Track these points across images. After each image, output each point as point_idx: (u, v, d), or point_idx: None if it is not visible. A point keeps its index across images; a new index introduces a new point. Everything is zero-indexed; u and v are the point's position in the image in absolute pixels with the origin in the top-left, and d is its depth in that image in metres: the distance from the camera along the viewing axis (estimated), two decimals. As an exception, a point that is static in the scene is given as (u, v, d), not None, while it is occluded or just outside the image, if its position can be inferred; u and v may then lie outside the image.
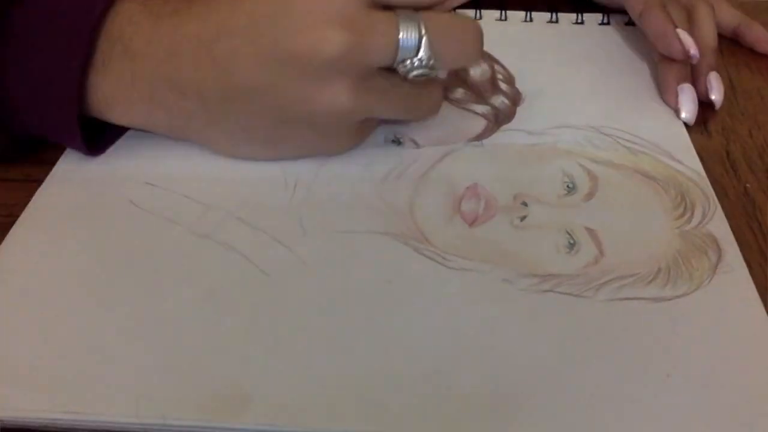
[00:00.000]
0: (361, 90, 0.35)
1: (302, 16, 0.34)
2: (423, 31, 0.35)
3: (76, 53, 0.35)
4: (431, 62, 0.35)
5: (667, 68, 0.47)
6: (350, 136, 0.39)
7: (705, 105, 0.46)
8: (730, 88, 0.49)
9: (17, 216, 0.36)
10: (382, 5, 0.35)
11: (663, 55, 0.47)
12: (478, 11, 0.55)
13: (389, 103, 0.38)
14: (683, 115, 0.45)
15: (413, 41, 0.35)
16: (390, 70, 0.36)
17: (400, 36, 0.34)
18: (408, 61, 0.35)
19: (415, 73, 0.35)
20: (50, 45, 0.35)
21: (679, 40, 0.46)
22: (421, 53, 0.35)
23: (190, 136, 0.39)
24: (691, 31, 0.47)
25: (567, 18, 0.54)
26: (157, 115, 0.37)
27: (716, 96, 0.46)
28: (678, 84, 0.46)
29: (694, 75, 0.47)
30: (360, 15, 0.34)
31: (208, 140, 0.39)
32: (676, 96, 0.46)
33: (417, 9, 0.35)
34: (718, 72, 0.47)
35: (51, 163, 0.39)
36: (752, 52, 0.53)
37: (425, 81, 0.37)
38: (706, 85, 0.47)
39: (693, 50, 0.46)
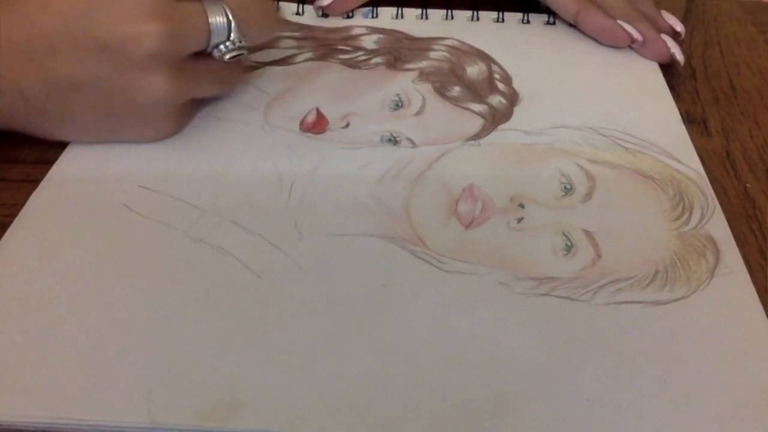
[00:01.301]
0: (178, 76, 0.38)
1: (117, 11, 0.35)
2: (230, 15, 0.38)
3: None
4: (242, 42, 0.38)
5: (640, 26, 0.50)
6: (172, 122, 0.41)
7: (704, 105, 0.46)
8: (730, 88, 0.49)
9: (17, 216, 0.36)
10: None
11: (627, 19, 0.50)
12: (475, 12, 0.54)
13: (204, 83, 0.41)
14: (678, 57, 0.49)
15: (223, 25, 0.38)
16: (199, 52, 0.38)
17: (211, 22, 0.37)
18: (222, 46, 0.38)
19: (230, 55, 0.38)
20: None
21: (625, 30, 0.50)
22: (233, 36, 0.38)
23: (12, 128, 0.39)
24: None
25: (564, 20, 0.54)
26: None
27: (680, 27, 0.52)
28: (658, 33, 0.50)
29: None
30: (170, 7, 0.36)
31: (31, 130, 0.40)
32: (666, 44, 0.50)
33: None
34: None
35: (51, 162, 0.39)
36: (752, 52, 0.52)
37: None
38: (666, 23, 0.52)
39: (637, 35, 0.50)
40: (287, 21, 0.50)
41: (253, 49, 0.43)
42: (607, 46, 0.51)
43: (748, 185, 0.40)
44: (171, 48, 0.36)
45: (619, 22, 0.50)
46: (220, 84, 0.42)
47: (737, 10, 0.56)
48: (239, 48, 0.38)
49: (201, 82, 0.40)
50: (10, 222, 0.36)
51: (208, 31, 0.37)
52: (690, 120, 0.46)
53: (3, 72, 0.36)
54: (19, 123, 0.39)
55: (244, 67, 0.45)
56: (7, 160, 0.40)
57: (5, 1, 0.36)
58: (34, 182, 0.38)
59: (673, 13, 0.53)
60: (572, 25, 0.54)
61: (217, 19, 0.37)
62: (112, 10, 0.35)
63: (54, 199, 0.37)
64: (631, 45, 0.51)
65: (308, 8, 0.54)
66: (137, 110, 0.38)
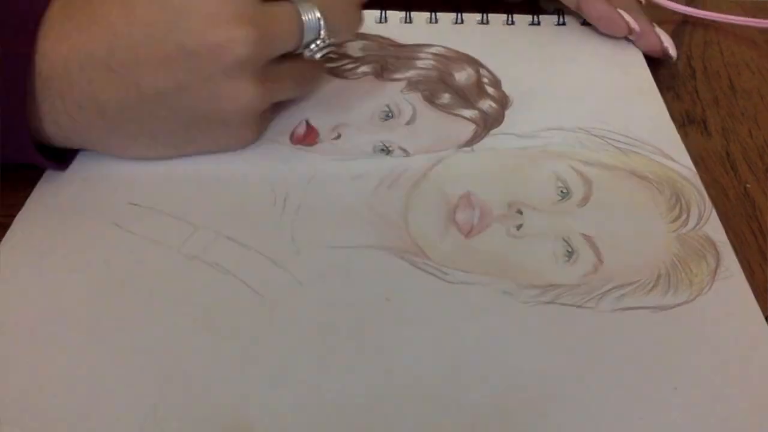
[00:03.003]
0: (264, 80, 0.37)
1: (204, 18, 0.34)
2: (320, 13, 0.37)
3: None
4: (331, 39, 0.38)
5: (637, 17, 0.51)
6: (254, 129, 0.40)
7: (704, 105, 0.46)
8: (730, 88, 0.49)
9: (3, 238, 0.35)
10: None
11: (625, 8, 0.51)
12: (459, 15, 0.54)
13: (288, 86, 0.40)
14: (672, 51, 0.50)
15: (315, 23, 0.37)
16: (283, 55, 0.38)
17: (304, 20, 0.37)
18: (312, 44, 0.38)
19: (321, 53, 0.38)
20: None
21: (623, 19, 0.50)
22: (323, 33, 0.38)
23: (86, 146, 0.39)
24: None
25: (549, 20, 0.54)
26: (47, 127, 0.36)
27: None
28: (652, 27, 0.50)
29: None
30: (259, 9, 0.35)
31: (105, 147, 0.39)
32: (659, 37, 0.50)
33: None
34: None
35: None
36: (752, 52, 0.53)
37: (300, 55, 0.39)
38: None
39: (635, 26, 0.50)
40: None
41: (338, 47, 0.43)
42: (603, 34, 0.52)
43: (748, 185, 0.40)
44: (260, 52, 0.35)
45: (620, 11, 0.50)
46: (302, 85, 0.42)
47: (737, 11, 0.57)
48: (330, 45, 0.38)
49: (285, 84, 0.40)
50: (10, 222, 0.35)
51: (301, 30, 0.37)
52: (690, 120, 0.46)
53: (83, 86, 0.35)
54: (95, 139, 0.38)
55: (324, 66, 0.45)
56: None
57: (85, 13, 0.35)
58: (34, 182, 0.38)
59: (673, 12, 0.53)
60: (558, 25, 0.53)
61: (309, 17, 0.37)
62: (199, 17, 0.34)
63: (39, 222, 0.36)
64: (628, 36, 0.51)
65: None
66: (220, 118, 0.37)
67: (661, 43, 0.50)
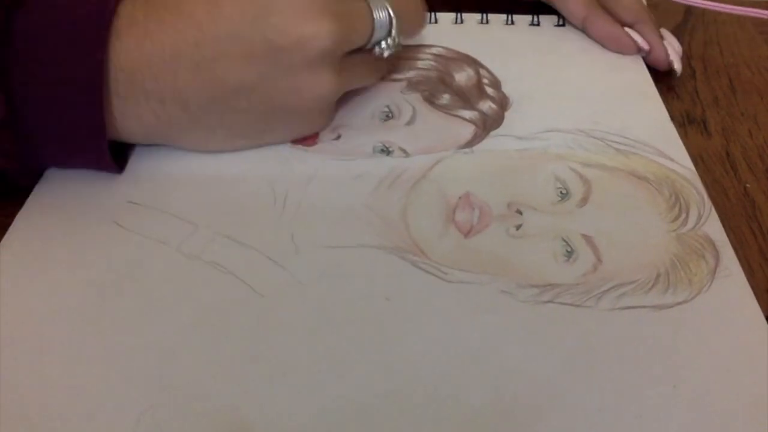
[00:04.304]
0: (341, 71, 0.38)
1: (289, 13, 0.35)
2: (391, 12, 0.38)
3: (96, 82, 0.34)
4: (400, 38, 0.39)
5: (645, 28, 0.50)
6: (327, 115, 0.41)
7: (704, 105, 0.46)
8: (730, 88, 0.49)
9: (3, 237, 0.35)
10: None
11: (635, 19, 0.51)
12: (459, 15, 0.54)
13: (360, 76, 0.42)
14: (677, 65, 0.49)
15: (385, 21, 0.39)
16: None
17: (375, 18, 0.38)
18: (383, 42, 0.39)
19: (389, 52, 0.40)
20: (66, 75, 0.34)
21: (631, 38, 0.50)
22: (393, 32, 0.39)
23: (166, 141, 0.39)
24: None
25: (549, 20, 0.54)
26: (129, 124, 0.36)
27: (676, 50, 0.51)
28: (661, 40, 0.50)
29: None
30: (338, 4, 0.36)
31: (184, 142, 0.39)
32: (666, 51, 0.49)
33: None
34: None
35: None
36: (752, 52, 0.53)
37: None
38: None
39: (643, 44, 0.50)
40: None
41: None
42: (613, 50, 0.51)
43: (748, 185, 0.41)
44: (340, 46, 0.37)
45: (627, 29, 0.50)
46: (372, 75, 0.43)
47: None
48: (397, 45, 0.39)
49: (358, 74, 0.41)
50: (10, 222, 0.35)
51: (372, 27, 0.38)
52: (690, 120, 0.46)
53: (168, 80, 0.35)
54: (175, 134, 0.38)
55: (388, 62, 0.45)
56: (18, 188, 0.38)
57: (169, 9, 0.35)
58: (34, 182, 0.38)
59: (674, 12, 0.53)
60: (557, 26, 0.53)
61: (380, 15, 0.38)
62: (283, 12, 0.35)
63: (40, 221, 0.36)
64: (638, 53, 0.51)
65: (467, 16, 0.54)
66: (298, 108, 0.38)
67: (667, 56, 0.49)
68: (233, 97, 0.36)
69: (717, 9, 0.52)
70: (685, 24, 0.53)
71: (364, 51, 0.40)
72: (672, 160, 0.41)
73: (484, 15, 0.54)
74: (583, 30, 0.52)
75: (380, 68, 0.44)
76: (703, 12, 0.57)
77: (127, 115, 0.36)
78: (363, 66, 0.41)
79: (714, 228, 0.37)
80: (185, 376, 0.30)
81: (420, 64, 0.48)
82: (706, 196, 0.39)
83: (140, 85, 0.35)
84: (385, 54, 0.40)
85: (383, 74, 0.45)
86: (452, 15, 0.54)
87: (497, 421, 0.29)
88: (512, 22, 0.54)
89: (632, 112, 0.45)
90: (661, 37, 0.50)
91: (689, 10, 0.57)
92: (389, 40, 0.39)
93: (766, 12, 0.50)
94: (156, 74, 0.35)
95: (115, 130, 0.36)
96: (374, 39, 0.39)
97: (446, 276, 0.34)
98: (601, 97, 0.47)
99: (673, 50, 0.50)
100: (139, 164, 0.39)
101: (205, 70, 0.35)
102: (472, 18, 0.54)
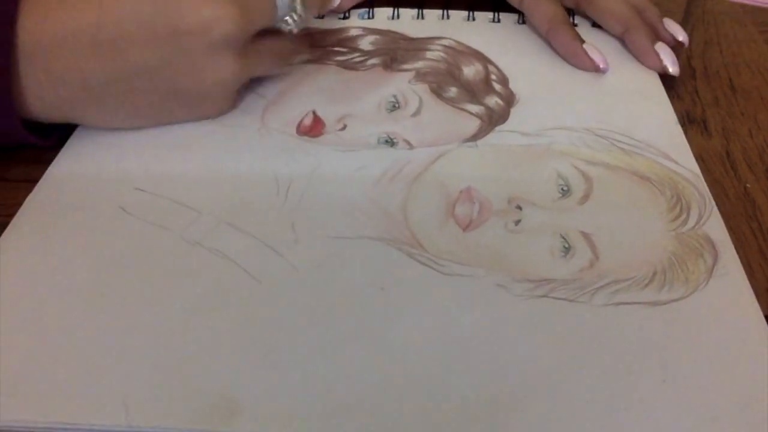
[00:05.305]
0: (244, 56, 0.39)
1: None
2: None
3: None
4: (305, 14, 0.40)
5: (635, 35, 0.50)
6: (230, 100, 0.42)
7: (704, 105, 0.46)
8: (730, 88, 0.49)
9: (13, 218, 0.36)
10: None
11: (625, 26, 0.50)
12: (471, 13, 0.54)
13: (266, 61, 0.42)
14: (671, 69, 0.49)
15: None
16: (261, 31, 0.40)
17: None
18: (288, 18, 0.40)
19: (297, 27, 0.40)
20: None
21: (588, 55, 0.49)
22: (299, 8, 0.40)
23: (69, 120, 0.40)
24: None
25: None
26: (30, 102, 0.37)
27: (682, 36, 0.51)
28: (653, 44, 0.49)
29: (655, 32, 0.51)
30: None
31: (87, 120, 0.40)
32: (658, 56, 0.49)
33: None
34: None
35: (50, 162, 0.39)
36: (752, 52, 0.52)
37: (279, 33, 0.41)
38: (667, 33, 0.51)
39: (602, 64, 0.49)
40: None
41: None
42: (612, 35, 0.52)
43: (748, 185, 0.40)
44: (243, 29, 0.37)
45: (586, 46, 0.49)
46: (279, 61, 0.44)
47: (737, 10, 0.57)
48: (304, 20, 0.40)
49: (263, 60, 0.42)
50: (10, 222, 0.36)
51: (274, 5, 0.39)
52: (690, 120, 0.46)
53: (68, 60, 0.36)
54: (78, 113, 0.39)
55: (300, 44, 0.46)
56: (7, 160, 0.40)
57: None
58: (34, 182, 0.38)
59: (674, 12, 0.53)
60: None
61: None
62: None
63: (49, 202, 0.37)
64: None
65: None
66: (200, 91, 0.39)
67: (661, 62, 0.49)
68: (135, 78, 0.37)
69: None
70: (685, 24, 0.53)
71: (274, 33, 0.40)
72: (676, 162, 0.41)
73: (496, 14, 0.54)
74: (547, 38, 0.51)
75: (291, 54, 0.44)
76: (703, 12, 0.57)
77: (29, 94, 0.36)
78: (269, 52, 0.42)
79: (714, 228, 0.37)
80: (180, 356, 0.30)
81: (429, 54, 0.49)
82: (708, 198, 0.39)
83: (41, 64, 0.35)
84: (294, 30, 0.40)
85: (292, 61, 0.46)
86: (464, 13, 0.54)
87: (487, 412, 0.29)
88: (523, 22, 0.54)
89: (639, 112, 0.45)
90: (660, 39, 0.50)
91: (689, 10, 0.57)
92: (294, 16, 0.40)
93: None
94: (57, 54, 0.35)
95: (21, 108, 0.37)
96: (279, 15, 0.39)
97: (442, 268, 0.34)
98: (609, 97, 0.47)
99: (667, 54, 0.49)
100: (146, 152, 0.40)
101: (106, 51, 0.36)
102: (484, 16, 0.54)
